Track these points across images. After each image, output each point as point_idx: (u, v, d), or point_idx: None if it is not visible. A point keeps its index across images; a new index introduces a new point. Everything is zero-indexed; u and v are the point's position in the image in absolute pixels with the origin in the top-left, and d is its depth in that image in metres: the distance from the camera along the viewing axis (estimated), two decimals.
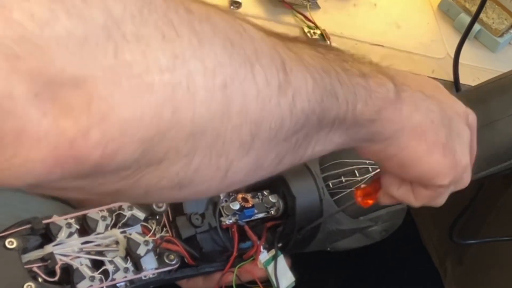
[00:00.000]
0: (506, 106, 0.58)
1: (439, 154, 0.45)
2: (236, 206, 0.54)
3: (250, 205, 0.55)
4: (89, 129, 0.27)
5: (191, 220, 0.53)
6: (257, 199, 0.55)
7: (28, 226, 0.49)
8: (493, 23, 1.00)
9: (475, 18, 0.91)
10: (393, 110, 0.43)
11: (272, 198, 0.56)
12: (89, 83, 0.27)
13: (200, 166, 0.33)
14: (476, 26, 0.97)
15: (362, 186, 0.49)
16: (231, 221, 0.54)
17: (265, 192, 0.56)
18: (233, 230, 0.54)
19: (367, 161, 0.58)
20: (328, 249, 0.59)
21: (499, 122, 0.57)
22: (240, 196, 0.55)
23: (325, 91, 0.38)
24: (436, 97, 0.47)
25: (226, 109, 0.32)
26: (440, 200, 0.50)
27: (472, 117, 0.50)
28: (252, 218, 0.55)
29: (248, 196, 0.55)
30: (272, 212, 0.55)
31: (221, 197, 0.54)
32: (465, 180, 0.50)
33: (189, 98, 0.30)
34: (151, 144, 0.29)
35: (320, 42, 0.44)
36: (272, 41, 0.36)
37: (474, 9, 0.94)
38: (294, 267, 0.57)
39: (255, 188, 0.57)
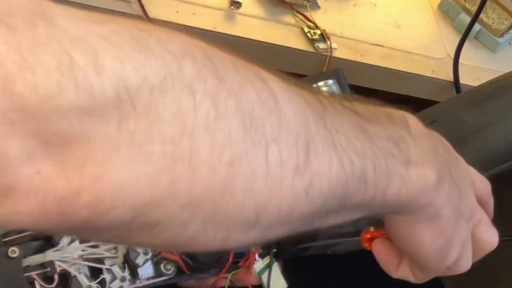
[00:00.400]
0: (504, 108, 0.58)
1: (439, 245, 0.44)
2: None
3: None
4: (80, 190, 0.27)
5: None
6: None
7: (29, 232, 0.49)
8: (493, 23, 1.00)
9: (475, 18, 0.91)
10: (424, 200, 0.41)
11: None
12: (85, 147, 0.27)
13: (196, 234, 0.32)
14: (476, 26, 0.97)
15: (371, 229, 0.49)
16: None
17: None
18: None
19: None
20: (328, 252, 0.59)
21: (497, 124, 0.57)
22: None
23: (352, 176, 0.35)
24: (466, 190, 0.46)
25: (229, 186, 0.31)
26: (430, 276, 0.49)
27: (488, 188, 0.49)
28: None
29: None
30: None
31: None
32: (455, 271, 0.50)
33: (189, 172, 0.29)
34: (144, 210, 0.29)
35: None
36: (308, 114, 0.34)
37: (474, 9, 0.94)
38: (292, 269, 0.57)
39: None
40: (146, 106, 0.28)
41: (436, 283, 1.52)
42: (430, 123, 0.59)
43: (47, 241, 0.51)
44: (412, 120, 0.44)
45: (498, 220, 1.37)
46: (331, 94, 0.39)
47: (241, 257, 0.56)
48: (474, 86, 0.96)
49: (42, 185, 0.26)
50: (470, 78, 0.96)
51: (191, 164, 0.29)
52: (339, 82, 0.62)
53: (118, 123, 0.27)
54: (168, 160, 0.28)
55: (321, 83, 0.62)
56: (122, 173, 0.27)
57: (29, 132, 0.25)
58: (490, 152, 0.57)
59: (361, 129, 0.37)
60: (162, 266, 0.53)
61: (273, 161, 0.32)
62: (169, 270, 0.53)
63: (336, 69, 0.63)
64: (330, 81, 0.62)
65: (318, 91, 0.39)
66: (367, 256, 0.64)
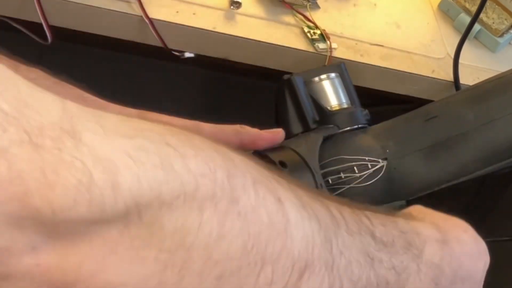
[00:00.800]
0: (506, 105, 0.58)
1: None
2: None
3: None
4: (75, 283, 0.28)
5: None
6: None
7: None
8: (493, 23, 1.00)
9: (475, 18, 0.91)
10: None
11: None
12: (86, 245, 0.28)
13: None
14: (476, 26, 0.97)
15: None
16: None
17: None
18: None
19: (367, 158, 0.58)
20: None
21: (499, 120, 0.57)
22: None
23: None
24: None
25: None
26: None
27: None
28: None
29: None
30: None
31: None
32: None
33: (177, 279, 0.30)
34: None
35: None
36: (316, 237, 0.35)
37: (474, 9, 0.94)
38: None
39: None
40: (152, 219, 0.29)
41: None
42: (431, 119, 0.59)
43: None
44: (431, 247, 0.44)
45: (498, 220, 1.38)
46: (358, 207, 0.41)
47: None
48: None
49: (39, 275, 0.27)
50: (470, 78, 0.96)
51: (181, 272, 0.30)
52: (342, 76, 0.62)
53: (122, 229, 0.28)
54: (160, 265, 0.30)
55: (323, 76, 0.62)
56: (116, 272, 0.29)
57: (37, 231, 0.27)
58: (491, 149, 0.57)
59: (367, 255, 0.38)
60: None
61: (263, 281, 0.33)
62: None
63: (339, 62, 0.63)
64: (333, 74, 0.62)
65: (342, 204, 0.40)
66: None
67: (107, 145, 0.28)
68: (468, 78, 0.95)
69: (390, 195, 0.58)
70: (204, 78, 1.35)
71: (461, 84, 0.93)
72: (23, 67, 0.50)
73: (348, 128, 0.59)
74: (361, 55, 0.91)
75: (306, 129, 0.60)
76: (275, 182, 0.36)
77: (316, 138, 0.58)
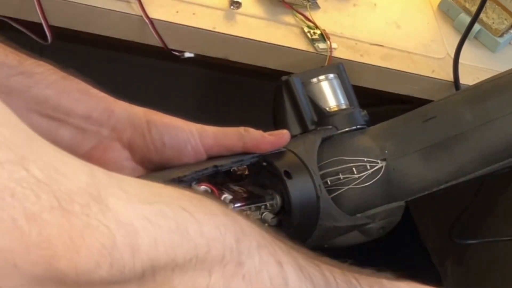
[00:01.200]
0: (504, 105, 0.58)
1: None
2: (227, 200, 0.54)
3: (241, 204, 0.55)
4: None
5: None
6: (257, 213, 0.55)
7: None
8: (493, 23, 1.00)
9: (475, 18, 0.91)
10: None
11: (272, 222, 0.55)
12: None
13: None
14: (476, 26, 0.97)
15: None
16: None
17: (268, 205, 0.55)
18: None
19: (365, 159, 0.58)
20: (326, 245, 0.59)
21: (497, 121, 0.57)
22: (240, 195, 0.55)
23: None
24: None
25: None
26: None
27: None
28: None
29: (251, 214, 0.55)
30: (266, 225, 0.55)
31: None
32: None
33: None
34: None
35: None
36: None
37: (474, 9, 0.94)
38: None
39: (262, 185, 0.56)
40: (165, 280, 0.31)
41: (436, 283, 1.51)
42: (429, 119, 0.59)
43: None
44: None
45: (498, 220, 1.37)
46: (348, 269, 0.45)
47: None
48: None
49: None
50: (470, 78, 0.96)
51: None
52: (340, 77, 0.62)
53: (136, 287, 0.31)
54: None
55: (322, 77, 0.61)
56: None
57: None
58: (489, 149, 0.57)
59: None
60: None
61: None
62: None
63: (337, 63, 0.63)
64: (331, 75, 0.62)
65: (333, 266, 0.43)
66: (366, 249, 0.64)
67: (129, 210, 0.30)
68: (468, 78, 0.95)
69: (389, 196, 0.58)
70: (204, 78, 1.35)
71: (461, 84, 0.93)
72: (30, 61, 0.50)
73: (347, 129, 0.59)
74: (361, 55, 0.91)
75: (305, 130, 0.60)
76: (276, 246, 0.39)
77: (315, 140, 0.58)
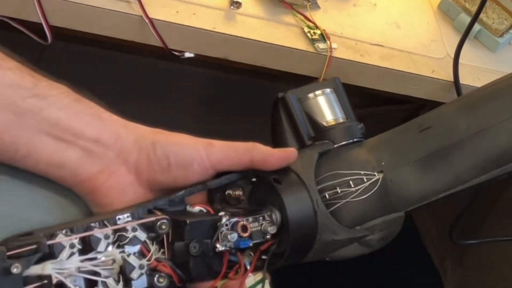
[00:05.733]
0: (497, 112, 0.58)
1: None
2: (234, 237, 0.54)
3: (247, 236, 0.55)
4: None
5: (189, 248, 0.53)
6: (256, 224, 0.55)
7: (33, 247, 0.50)
8: (493, 23, 1.00)
9: (475, 18, 0.91)
10: None
11: (272, 230, 0.56)
12: None
13: None
14: (476, 26, 0.98)
15: None
16: (224, 248, 0.54)
17: (265, 215, 0.56)
18: (224, 257, 0.54)
19: (362, 172, 0.58)
20: (327, 259, 0.59)
21: (491, 128, 0.58)
22: (240, 224, 0.55)
23: None
24: None
25: None
26: None
27: None
28: (246, 246, 0.55)
29: (249, 225, 0.55)
30: (267, 236, 0.56)
31: (223, 221, 0.54)
32: None
33: None
34: None
35: None
36: None
37: (474, 9, 0.94)
38: (295, 268, 0.57)
39: (260, 203, 0.57)
40: None
41: (436, 283, 1.52)
42: (425, 129, 0.59)
43: (49, 253, 0.51)
44: None
45: (498, 220, 1.37)
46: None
47: (231, 267, 0.56)
48: (473, 86, 0.96)
49: None
50: (470, 78, 0.96)
51: None
52: (336, 91, 0.62)
53: None
54: None
55: (318, 92, 0.62)
56: None
57: None
58: (485, 157, 0.57)
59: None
60: (155, 278, 0.53)
61: None
62: (161, 283, 0.53)
63: (333, 78, 0.63)
64: (328, 90, 0.62)
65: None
66: (366, 261, 0.64)
67: None
68: (468, 78, 0.96)
69: (387, 207, 0.58)
70: (204, 78, 1.35)
71: (461, 84, 0.93)
72: (45, 83, 0.51)
73: (344, 142, 0.60)
74: (361, 55, 0.91)
75: (302, 145, 0.60)
76: None
77: (312, 155, 0.58)
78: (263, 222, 0.55)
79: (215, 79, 1.36)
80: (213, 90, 1.40)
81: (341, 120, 0.61)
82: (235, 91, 1.41)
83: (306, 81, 0.90)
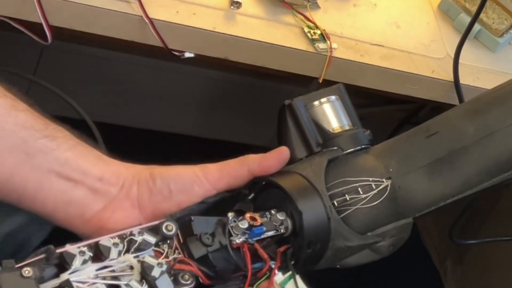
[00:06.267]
0: (504, 116, 0.58)
1: None
2: (244, 225, 0.54)
3: (259, 223, 0.55)
4: None
5: (202, 240, 0.54)
6: (265, 218, 0.56)
7: (42, 256, 0.50)
8: (493, 23, 1.00)
9: (475, 18, 0.91)
10: None
11: (280, 216, 0.56)
12: None
13: None
14: (476, 26, 0.97)
15: None
16: (241, 239, 0.54)
17: (272, 211, 0.56)
18: (244, 249, 0.54)
19: (370, 179, 0.58)
20: (338, 266, 0.59)
21: (498, 132, 0.58)
22: (248, 215, 0.55)
23: None
24: None
25: None
26: None
27: None
28: (262, 236, 0.55)
29: (256, 215, 0.55)
30: (282, 230, 0.56)
31: (230, 218, 0.55)
32: None
33: None
34: None
35: None
36: None
37: (474, 9, 0.94)
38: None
39: (262, 208, 0.57)
40: None
41: (436, 283, 1.52)
42: (431, 135, 0.59)
43: (60, 266, 0.51)
44: None
45: (498, 220, 1.37)
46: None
47: (258, 266, 0.56)
48: (473, 86, 0.96)
49: None
50: (470, 78, 0.96)
51: None
52: (341, 98, 0.62)
53: None
54: None
55: (323, 99, 0.62)
56: None
57: None
58: (493, 161, 0.58)
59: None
60: (180, 277, 0.53)
61: None
62: (187, 280, 0.53)
63: (338, 84, 0.63)
64: (333, 97, 0.62)
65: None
66: (377, 267, 0.65)
67: None
68: (468, 78, 0.95)
69: (397, 214, 0.58)
70: (204, 78, 1.35)
71: (461, 84, 0.93)
72: (53, 126, 0.55)
73: (352, 149, 0.60)
74: (361, 55, 0.91)
75: (310, 152, 0.60)
76: None
77: (321, 161, 0.59)
78: (271, 216, 0.55)
79: (215, 79, 1.36)
80: (214, 90, 1.40)
81: (347, 127, 0.61)
82: (235, 91, 1.41)
83: (306, 81, 0.90)
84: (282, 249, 0.56)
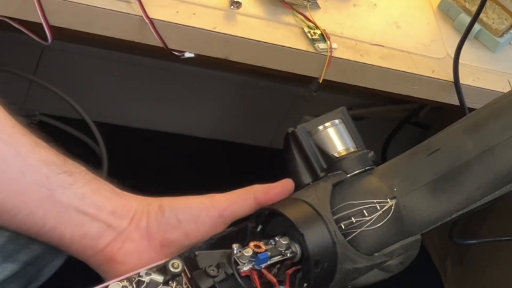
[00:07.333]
0: (502, 130, 0.59)
1: None
2: (249, 252, 0.55)
3: (263, 250, 0.55)
4: None
5: (207, 272, 0.54)
6: (270, 245, 0.56)
7: None
8: (493, 23, 1.00)
9: (475, 18, 0.91)
10: None
11: (284, 241, 0.56)
12: None
13: None
14: (476, 26, 0.97)
15: None
16: (248, 267, 0.55)
17: (276, 238, 0.57)
18: (253, 277, 0.55)
19: (375, 200, 0.58)
20: (349, 287, 0.60)
21: (497, 147, 0.58)
22: (252, 244, 0.56)
23: None
24: None
25: None
26: None
27: None
28: (269, 262, 0.55)
29: (261, 243, 0.56)
30: (288, 254, 0.56)
31: (235, 249, 0.55)
32: None
33: None
34: None
35: None
36: None
37: (474, 9, 0.94)
38: None
39: (266, 237, 0.57)
40: None
41: (436, 283, 1.52)
42: (433, 153, 0.60)
43: None
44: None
45: (498, 220, 1.37)
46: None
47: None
48: (473, 86, 0.96)
49: None
50: (470, 78, 0.96)
51: None
52: (344, 121, 0.63)
53: None
54: None
55: (327, 124, 0.63)
56: None
57: None
58: (494, 175, 0.58)
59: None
60: None
61: None
62: None
63: (340, 108, 0.64)
64: (337, 121, 0.63)
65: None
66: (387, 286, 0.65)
67: None
68: (468, 78, 0.96)
69: (403, 232, 0.59)
70: (204, 78, 1.35)
71: (461, 84, 0.93)
72: (70, 161, 0.57)
73: (356, 171, 0.60)
74: (361, 55, 0.91)
75: (315, 178, 0.61)
76: None
77: (325, 187, 0.59)
78: (275, 242, 0.56)
79: (215, 79, 1.36)
80: (214, 90, 1.40)
81: (352, 150, 0.62)
82: (235, 91, 1.41)
83: (306, 81, 0.90)
84: (290, 271, 0.57)
